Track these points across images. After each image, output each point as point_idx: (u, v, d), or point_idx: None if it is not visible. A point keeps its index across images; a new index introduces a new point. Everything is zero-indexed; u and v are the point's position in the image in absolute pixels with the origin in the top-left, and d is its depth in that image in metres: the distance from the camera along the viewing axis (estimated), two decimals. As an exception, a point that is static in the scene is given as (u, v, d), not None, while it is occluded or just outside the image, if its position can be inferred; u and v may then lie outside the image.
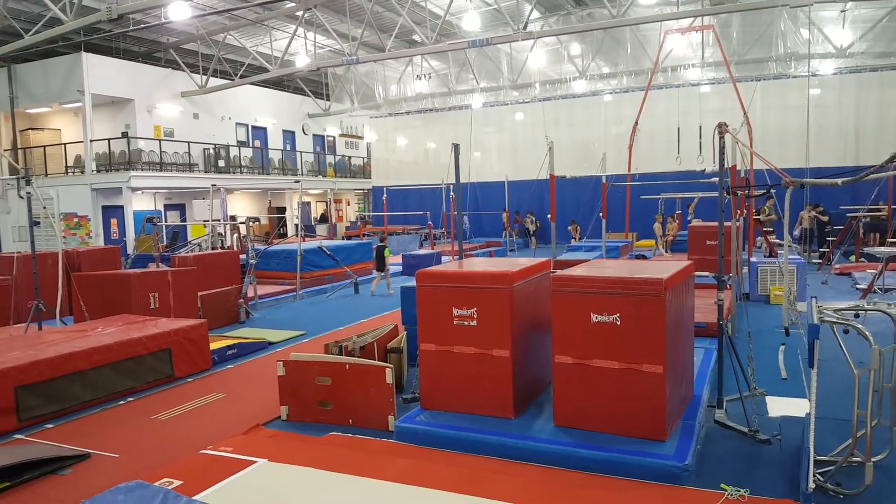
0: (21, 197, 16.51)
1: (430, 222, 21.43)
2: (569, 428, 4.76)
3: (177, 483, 4.17)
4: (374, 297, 13.02)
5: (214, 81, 24.22)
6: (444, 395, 5.30)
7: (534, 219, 24.08)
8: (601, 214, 12.56)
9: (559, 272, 5.06)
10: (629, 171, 16.99)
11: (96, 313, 8.74)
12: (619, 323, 4.56)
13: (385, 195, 22.84)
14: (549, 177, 9.91)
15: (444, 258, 15.13)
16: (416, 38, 23.02)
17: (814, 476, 3.69)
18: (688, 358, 5.43)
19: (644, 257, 14.28)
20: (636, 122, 17.59)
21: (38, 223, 9.94)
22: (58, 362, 6.12)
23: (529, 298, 5.38)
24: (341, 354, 6.17)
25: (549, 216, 10.21)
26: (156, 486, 3.92)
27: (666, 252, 16.04)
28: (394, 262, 18.32)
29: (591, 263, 6.14)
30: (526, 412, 5.17)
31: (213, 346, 7.93)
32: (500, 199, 23.22)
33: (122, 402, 6.43)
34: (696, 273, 5.85)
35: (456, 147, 8.00)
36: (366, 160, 32.56)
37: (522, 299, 5.22)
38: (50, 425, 5.83)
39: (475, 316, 5.13)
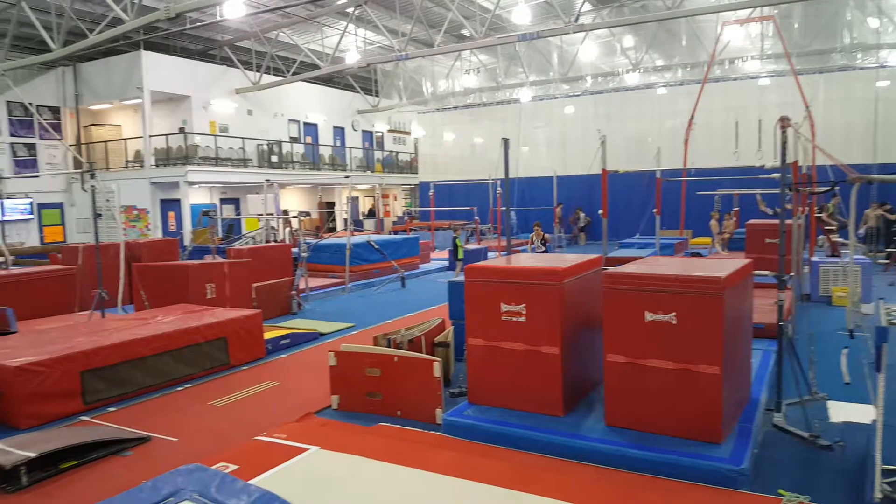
0: (85, 190, 17.22)
1: (476, 217, 21.42)
2: (620, 428, 4.70)
3: (233, 467, 4.30)
4: (423, 291, 13.11)
5: (267, 78, 24.74)
6: (492, 390, 5.31)
7: (583, 215, 23.80)
8: (655, 211, 12.31)
9: (612, 269, 5.00)
10: (685, 165, 16.60)
11: (155, 302, 9.08)
12: (674, 322, 4.48)
13: (432, 190, 22.92)
14: (601, 172, 9.77)
15: (490, 254, 15.12)
16: (465, 32, 23.01)
17: (881, 485, 3.56)
18: (745, 359, 5.30)
19: (699, 255, 13.94)
20: (692, 116, 17.15)
21: (101, 215, 10.34)
22: (120, 348, 6.38)
23: (580, 295, 5.34)
24: (389, 347, 6.25)
25: (600, 212, 10.08)
26: (213, 469, 4.06)
27: (722, 250, 15.62)
28: (439, 256, 18.43)
29: (644, 261, 6.05)
30: (575, 410, 5.14)
31: (267, 335, 8.15)
32: (548, 194, 23.03)
33: (179, 388, 6.67)
34: (755, 272, 5.69)
35: (505, 141, 7.98)
36: (413, 155, 32.75)
37: (573, 296, 5.18)
38: (113, 408, 6.08)
39: (524, 312, 5.12)
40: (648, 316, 4.58)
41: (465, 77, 28.22)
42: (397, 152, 32.98)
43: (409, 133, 33.03)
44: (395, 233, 23.14)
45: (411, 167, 32.42)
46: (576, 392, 5.27)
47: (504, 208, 8.06)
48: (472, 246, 16.12)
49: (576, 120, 25.02)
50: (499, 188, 18.60)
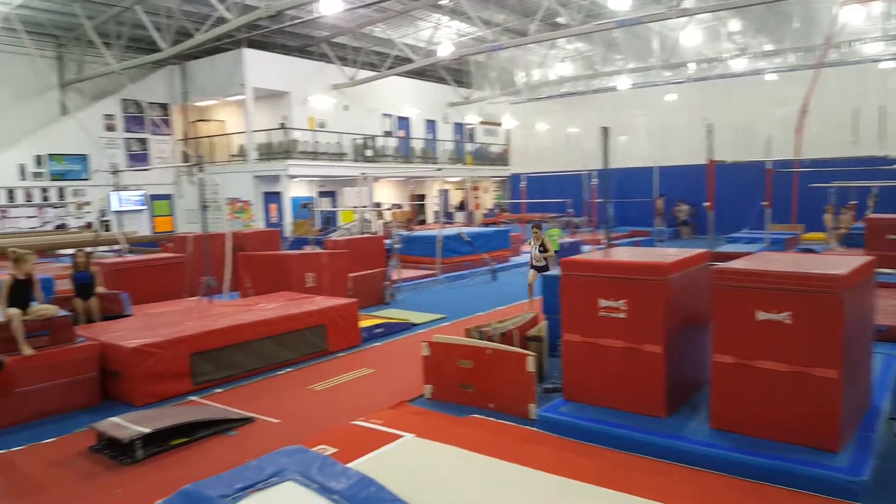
0: (192, 183, 18.22)
1: (570, 210, 21.05)
2: (726, 431, 4.50)
3: (332, 450, 4.46)
4: (514, 284, 13.04)
5: (362, 73, 25.33)
6: (588, 387, 5.21)
7: (686, 207, 22.90)
8: (764, 203, 11.65)
9: (721, 265, 4.78)
10: (797, 156, 15.61)
11: (259, 290, 9.55)
12: (788, 322, 4.23)
13: (524, 182, 22.74)
14: (706, 162, 9.35)
15: (584, 247, 14.82)
16: (560, 20, 22.62)
17: None
18: (866, 363, 4.94)
19: (812, 251, 13.09)
20: (805, 103, 16.08)
21: (208, 207, 10.94)
22: (227, 333, 6.76)
23: (685, 292, 5.14)
24: (482, 339, 6.26)
25: (705, 204, 9.65)
26: (314, 451, 4.22)
27: (838, 246, 14.60)
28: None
29: (754, 256, 5.74)
30: (678, 412, 4.96)
31: (362, 324, 8.39)
32: (647, 185, 22.31)
33: (281, 372, 6.98)
34: (879, 270, 5.28)
35: (605, 130, 7.79)
36: (504, 147, 32.61)
37: (677, 292, 5.00)
38: (219, 389, 6.45)
39: (625, 308, 4.99)
40: (760, 315, 4.35)
41: (559, 65, 27.76)
42: (488, 144, 32.95)
43: (500, 124, 32.92)
44: (486, 225, 23.14)
45: (502, 159, 32.30)
46: (678, 393, 5.08)
47: (601, 200, 7.87)
48: (564, 239, 15.87)
49: (678, 108, 24.07)
50: (594, 179, 18.21)
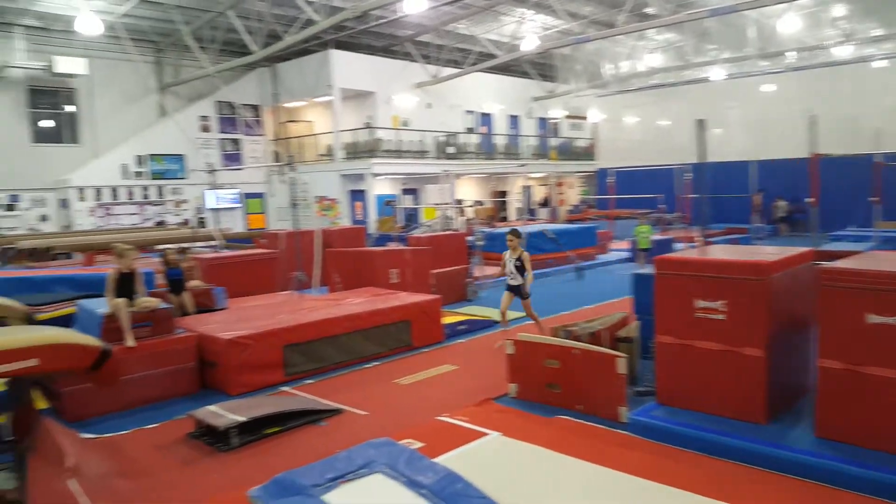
0: (283, 182, 18.90)
1: (662, 206, 20.41)
2: (833, 441, 4.23)
3: (418, 444, 4.51)
4: (601, 283, 12.80)
5: (445, 71, 25.51)
6: (683, 391, 5.02)
7: (783, 203, 21.72)
8: (874, 199, 10.89)
9: (828, 264, 4.50)
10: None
11: (345, 285, 9.79)
12: (907, 325, 3.93)
13: (611, 177, 22.22)
14: (810, 155, 8.83)
15: (677, 245, 14.33)
16: (649, 10, 21.96)
17: None
18: None
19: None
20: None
21: (297, 205, 11.31)
22: (317, 326, 6.99)
23: (788, 292, 4.87)
24: (569, 339, 6.16)
25: (808, 200, 9.12)
26: (402, 444, 4.28)
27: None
28: (620, 247, 17.83)
29: (864, 255, 5.37)
30: (779, 419, 4.70)
31: (445, 320, 8.44)
32: (742, 180, 21.32)
33: (367, 366, 7.14)
34: None
35: (701, 123, 7.49)
36: (590, 141, 31.99)
37: (780, 293, 4.74)
38: (309, 381, 6.66)
39: (723, 309, 4.78)
40: (872, 318, 4.06)
41: (648, 57, 26.96)
42: (574, 138, 32.43)
43: (585, 118, 32.34)
44: (571, 222, 22.79)
45: (588, 154, 31.71)
46: (780, 399, 4.82)
47: (695, 195, 7.58)
48: (655, 237, 15.40)
49: (776, 99, 22.87)
50: (686, 174, 17.57)
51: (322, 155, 24.44)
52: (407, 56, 25.48)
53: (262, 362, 6.49)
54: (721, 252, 5.83)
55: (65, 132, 22.40)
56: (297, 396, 6.17)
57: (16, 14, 19.88)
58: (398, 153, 23.43)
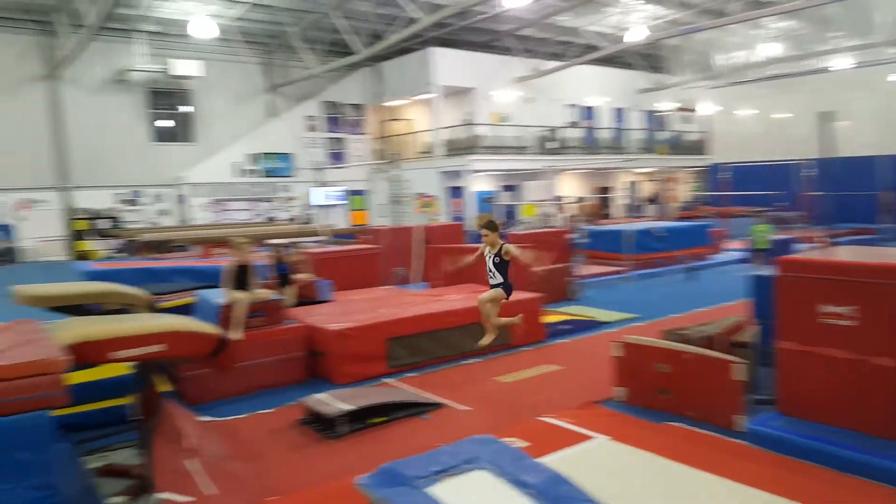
0: (385, 179, 19.38)
1: (780, 203, 19.24)
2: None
3: (522, 443, 4.49)
4: (714, 284, 12.26)
5: (546, 64, 25.24)
6: (807, 401, 4.72)
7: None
8: None
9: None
10: None
11: (444, 281, 9.90)
12: None
13: (725, 172, 21.20)
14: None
15: (798, 246, 13.48)
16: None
17: None
18: None
19: None
20: None
21: (397, 201, 11.57)
22: (419, 320, 7.13)
23: (932, 297, 4.46)
24: (680, 343, 5.95)
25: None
26: (506, 442, 4.28)
27: None
28: (734, 247, 16.98)
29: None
30: (916, 435, 4.33)
31: (547, 319, 8.36)
32: (870, 177, 19.77)
33: (467, 362, 7.19)
34: None
35: (826, 115, 7.01)
36: (702, 135, 30.66)
37: (922, 298, 4.35)
38: (411, 374, 6.80)
39: (852, 315, 4.45)
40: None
41: (764, 46, 25.51)
42: (683, 132, 31.19)
43: (694, 110, 31.03)
44: (682, 219, 21.94)
45: (699, 148, 30.40)
46: (919, 414, 4.43)
47: (820, 193, 7.10)
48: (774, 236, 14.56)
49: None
50: (807, 170, 16.49)
51: (421, 152, 24.82)
52: (507, 51, 25.42)
53: (366, 354, 6.70)
54: (848, 254, 5.45)
55: (181, 131, 24.01)
56: (400, 389, 6.32)
57: (137, 21, 21.47)
58: (497, 149, 23.43)
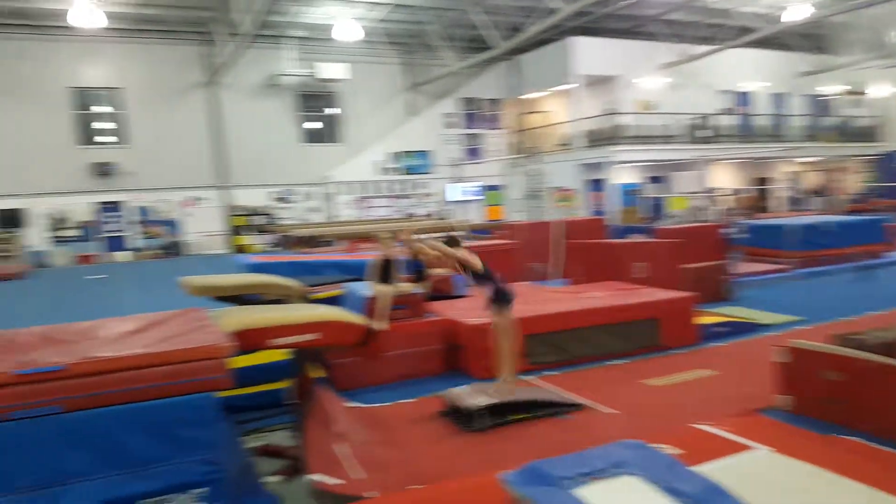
0: (521, 174, 19.33)
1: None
2: None
3: (674, 451, 4.27)
4: (890, 284, 11.06)
5: (696, 49, 23.96)
6: None
7: None
8: None
9: None
10: None
11: (588, 278, 9.69)
12: None
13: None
14: None
15: None
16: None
17: None
18: None
19: None
20: None
21: (534, 196, 11.48)
22: (559, 318, 7.03)
23: None
24: (855, 349, 5.39)
25: None
26: (656, 449, 4.09)
27: None
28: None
29: None
30: None
31: (701, 321, 7.92)
32: None
33: (611, 363, 6.97)
34: None
35: None
36: (874, 120, 27.72)
37: None
38: (551, 372, 6.70)
39: None
40: None
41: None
42: (852, 117, 28.37)
43: (865, 93, 28.11)
44: (851, 213, 20.00)
45: (871, 134, 27.53)
46: None
47: None
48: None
49: None
50: None
51: (560, 145, 24.48)
52: (652, 36, 24.41)
53: (505, 349, 6.68)
54: None
55: (328, 132, 25.42)
56: (540, 387, 6.25)
57: (287, 27, 22.95)
58: (642, 139, 22.56)
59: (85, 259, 22.48)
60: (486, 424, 5.15)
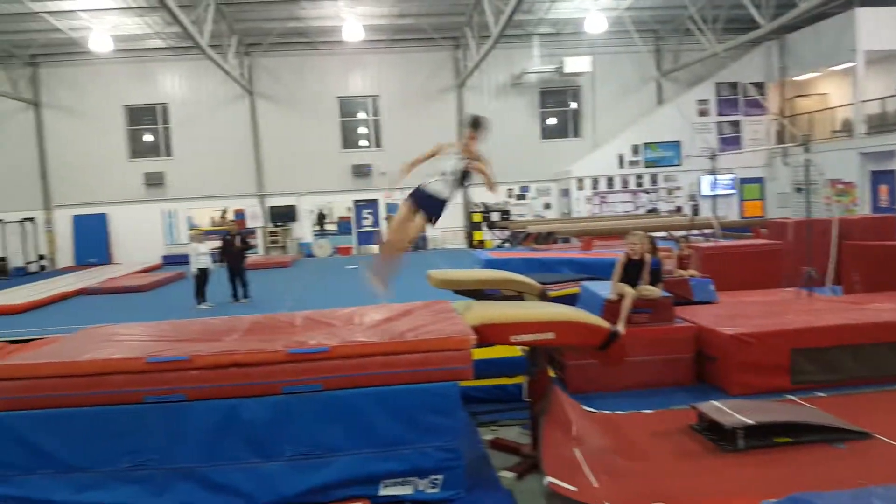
0: (787, 164, 17.50)
1: None
2: None
3: None
4: None
5: None
6: None
7: None
8: None
9: None
10: None
11: (868, 286, 8.48)
12: None
13: None
14: None
15: None
16: None
17: None
18: None
19: None
20: None
21: (805, 190, 10.27)
22: (833, 331, 6.25)
23: None
24: None
25: None
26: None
27: None
28: None
29: None
30: None
31: None
32: None
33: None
34: None
35: None
36: None
37: None
38: (820, 393, 5.96)
39: None
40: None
41: None
42: None
43: None
44: None
45: None
46: None
47: None
48: None
49: None
50: None
51: (837, 131, 21.70)
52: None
53: (766, 364, 6.11)
54: None
55: (567, 127, 25.43)
56: (809, 408, 5.58)
57: (534, 25, 23.31)
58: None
59: (343, 251, 25.15)
60: (745, 445, 4.73)
